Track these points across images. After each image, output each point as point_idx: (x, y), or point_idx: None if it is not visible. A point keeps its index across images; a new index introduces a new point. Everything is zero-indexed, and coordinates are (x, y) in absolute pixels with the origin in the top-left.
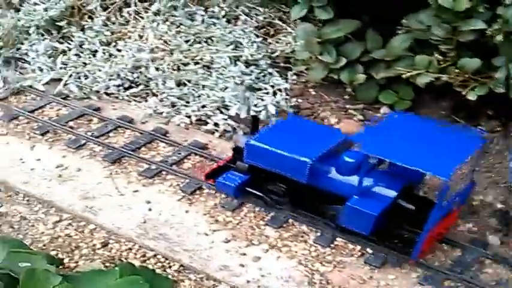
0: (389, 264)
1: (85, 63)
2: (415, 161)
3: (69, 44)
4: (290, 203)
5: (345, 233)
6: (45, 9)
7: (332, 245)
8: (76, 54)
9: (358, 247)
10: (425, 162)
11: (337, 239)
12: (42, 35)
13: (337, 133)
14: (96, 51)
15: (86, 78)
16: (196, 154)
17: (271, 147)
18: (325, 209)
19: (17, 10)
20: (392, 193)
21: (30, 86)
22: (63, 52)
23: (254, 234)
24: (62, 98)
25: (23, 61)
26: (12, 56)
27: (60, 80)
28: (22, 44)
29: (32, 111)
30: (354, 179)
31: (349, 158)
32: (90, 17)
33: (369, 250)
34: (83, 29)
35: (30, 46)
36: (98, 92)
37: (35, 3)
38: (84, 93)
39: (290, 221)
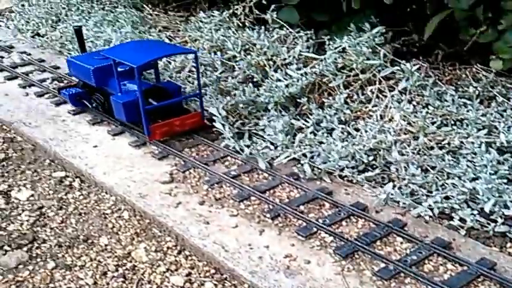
0: None
1: (321, 142)
2: (125, 57)
3: (307, 121)
4: (103, 109)
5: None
6: (286, 86)
7: None
8: (312, 132)
9: None
10: (129, 58)
11: None
12: (280, 111)
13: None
14: (333, 129)
15: (319, 158)
16: (439, 255)
17: (77, 61)
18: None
19: (257, 85)
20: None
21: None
22: (300, 129)
23: None
24: (293, 179)
25: (257, 136)
26: (247, 129)
27: (293, 159)
28: (259, 119)
29: (264, 192)
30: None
31: (121, 68)
32: (329, 94)
33: None
34: (321, 106)
35: (268, 122)
36: (331, 173)
37: (278, 80)
38: (315, 174)
39: None
